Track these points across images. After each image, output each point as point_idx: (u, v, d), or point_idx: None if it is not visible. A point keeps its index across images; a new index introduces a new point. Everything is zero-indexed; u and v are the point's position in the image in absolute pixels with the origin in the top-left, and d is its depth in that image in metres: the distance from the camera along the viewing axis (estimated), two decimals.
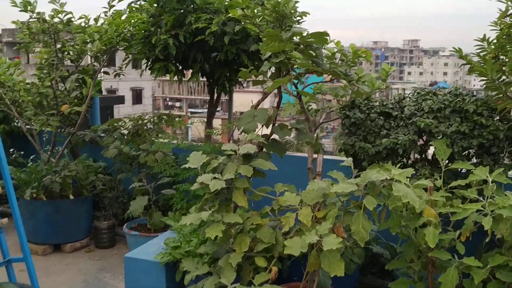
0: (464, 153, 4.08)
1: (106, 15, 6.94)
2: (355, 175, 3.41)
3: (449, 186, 3.56)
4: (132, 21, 5.81)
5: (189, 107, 72.45)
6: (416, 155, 4.44)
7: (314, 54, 3.55)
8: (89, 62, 6.85)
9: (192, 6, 5.26)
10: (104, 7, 7.08)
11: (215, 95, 6.26)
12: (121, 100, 29.74)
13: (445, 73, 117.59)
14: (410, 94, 4.55)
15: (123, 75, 6.78)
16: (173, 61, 5.57)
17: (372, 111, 4.38)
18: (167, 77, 5.98)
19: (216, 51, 5.38)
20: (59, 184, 5.94)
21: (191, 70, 5.69)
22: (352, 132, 4.36)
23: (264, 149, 3.92)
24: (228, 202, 3.63)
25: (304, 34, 3.64)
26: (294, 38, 3.65)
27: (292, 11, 4.09)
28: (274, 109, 3.96)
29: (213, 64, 5.56)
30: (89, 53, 6.25)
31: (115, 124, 6.71)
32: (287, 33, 3.56)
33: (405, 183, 3.13)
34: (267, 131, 4.05)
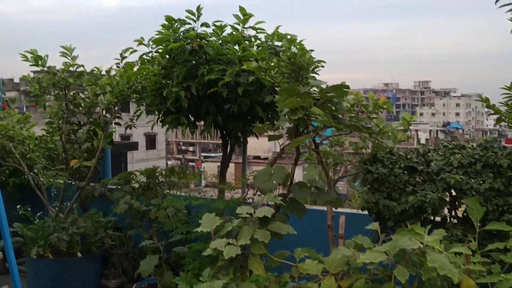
0: (499, 211, 3.76)
1: (118, 67, 6.87)
2: (382, 239, 3.11)
3: (485, 250, 3.25)
4: (144, 73, 5.69)
5: (202, 151, 72.75)
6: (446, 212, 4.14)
7: (334, 108, 3.33)
8: (101, 114, 6.72)
9: (204, 57, 5.12)
10: (117, 59, 7.02)
11: (229, 147, 6.05)
12: (134, 146, 29.76)
13: (457, 114, 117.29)
14: (436, 147, 4.29)
15: (134, 127, 6.62)
16: (185, 113, 5.39)
17: (396, 165, 4.11)
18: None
19: (230, 103, 5.21)
20: (66, 242, 5.69)
21: (203, 122, 5.51)
22: (375, 188, 4.08)
23: (282, 210, 3.65)
24: (244, 269, 3.34)
25: (323, 87, 3.44)
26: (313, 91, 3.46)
27: (309, 63, 3.91)
28: (292, 166, 3.72)
29: (226, 116, 5.37)
30: (100, 106, 6.12)
31: (125, 177, 6.50)
32: (305, 87, 3.36)
33: (438, 249, 2.84)
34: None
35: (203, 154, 68.49)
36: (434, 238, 2.81)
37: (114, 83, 6.18)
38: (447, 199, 3.93)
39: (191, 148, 75.92)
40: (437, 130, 75.49)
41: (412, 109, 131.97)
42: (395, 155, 4.22)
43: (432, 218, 4.06)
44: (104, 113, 6.69)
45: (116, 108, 6.52)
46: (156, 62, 5.44)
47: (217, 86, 4.99)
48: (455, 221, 4.03)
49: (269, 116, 5.24)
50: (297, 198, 3.58)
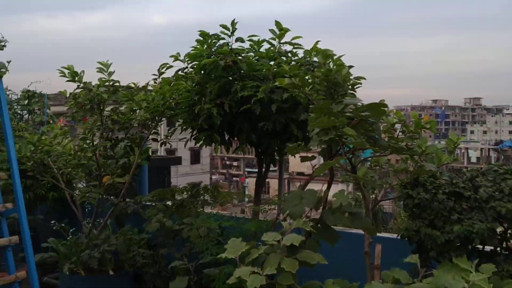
0: None
1: (155, 82, 6.83)
2: (422, 274, 2.81)
3: None
4: (178, 89, 5.59)
5: (246, 166, 72.88)
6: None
7: (370, 128, 3.07)
8: (138, 130, 6.68)
9: (238, 73, 4.97)
10: (154, 74, 6.99)
11: (264, 166, 5.84)
12: (178, 161, 30.04)
13: (510, 132, 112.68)
14: (485, 171, 3.93)
15: (169, 143, 6.53)
16: (218, 130, 5.23)
17: (440, 190, 3.77)
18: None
19: (264, 120, 5.01)
20: (97, 260, 5.61)
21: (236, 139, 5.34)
22: (416, 214, 3.76)
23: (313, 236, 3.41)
24: None
25: (359, 105, 3.19)
26: (347, 110, 3.21)
27: (345, 79, 3.68)
28: (325, 190, 3.47)
29: (260, 134, 5.18)
30: (134, 122, 6.06)
31: (159, 194, 6.39)
32: (338, 106, 3.13)
33: None
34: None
35: (247, 169, 68.60)
36: (482, 277, 2.49)
37: (150, 99, 6.12)
38: (498, 229, 3.57)
39: (235, 163, 76.27)
40: (488, 149, 72.73)
41: (462, 126, 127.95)
42: (438, 178, 3.89)
43: (481, 247, 3.70)
44: (140, 129, 6.64)
45: (153, 123, 6.47)
46: (190, 78, 5.33)
47: (250, 103, 4.82)
48: (507, 253, 3.65)
49: (306, 135, 4.99)
50: (330, 224, 3.33)
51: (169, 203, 6.43)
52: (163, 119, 6.38)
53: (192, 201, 6.18)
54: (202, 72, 5.18)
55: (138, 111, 5.90)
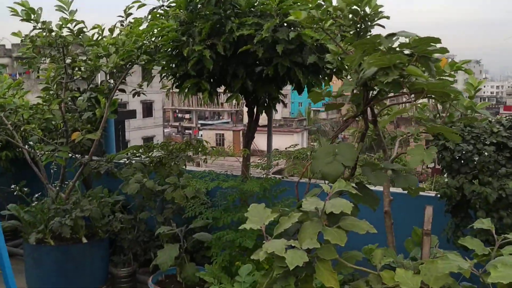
0: None
1: (122, 25, 5.98)
2: (499, 243, 2.33)
3: None
4: (156, 30, 4.79)
5: (198, 118, 71.83)
6: None
7: (431, 68, 2.50)
8: (103, 79, 5.85)
9: (232, 9, 4.23)
10: (120, 16, 6.11)
11: (254, 116, 5.21)
12: (133, 114, 28.81)
13: (455, 80, 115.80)
14: None
15: (143, 93, 5.77)
16: (207, 77, 4.52)
17: (478, 140, 3.31)
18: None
19: (263, 65, 4.36)
20: (69, 228, 4.92)
21: (229, 87, 4.65)
22: (455, 170, 3.29)
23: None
24: (308, 279, 2.58)
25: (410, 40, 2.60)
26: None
27: (376, 12, 3.08)
28: (359, 144, 2.92)
29: (257, 81, 4.53)
30: (104, 69, 5.24)
31: (134, 150, 5.69)
32: (388, 40, 2.52)
33: None
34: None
35: (200, 121, 67.58)
36: None
37: (119, 43, 5.30)
38: None
39: (187, 116, 75.03)
40: None
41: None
42: (476, 127, 3.42)
43: None
44: (107, 78, 5.82)
45: (120, 72, 5.68)
46: (171, 17, 4.54)
47: (248, 44, 4.14)
48: None
49: (309, 80, 4.40)
50: (373, 184, 2.79)
51: (145, 160, 5.75)
52: (134, 66, 5.60)
53: (172, 158, 5.52)
54: (188, 9, 4.41)
55: (106, 58, 5.08)
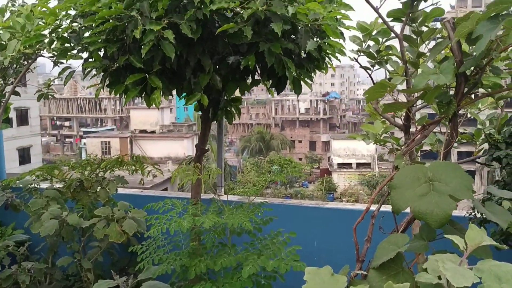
0: None
1: (14, 4, 4.55)
2: None
3: None
4: (76, 5, 3.39)
5: (79, 126, 67.27)
6: None
7: None
8: None
9: None
10: None
11: (209, 123, 4.03)
12: (6, 122, 25.50)
13: (332, 84, 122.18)
14: None
15: (52, 96, 4.33)
16: (159, 71, 3.27)
17: None
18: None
19: (237, 53, 3.23)
20: None
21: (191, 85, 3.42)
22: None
23: None
24: None
25: None
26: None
27: None
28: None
29: (225, 76, 3.39)
30: (4, 62, 3.74)
31: (44, 172, 4.20)
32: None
33: None
34: None
35: (82, 129, 63.17)
36: None
37: (17, 27, 3.84)
38: None
39: (67, 123, 70.09)
40: (317, 100, 77.51)
41: None
42: None
43: None
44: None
45: (20, 67, 4.23)
46: None
47: (220, 22, 3.00)
48: None
49: (298, 73, 3.34)
50: (500, 224, 1.82)
51: (58, 185, 4.31)
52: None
53: (98, 180, 4.14)
54: None
55: (8, 44, 3.60)
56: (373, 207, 2.13)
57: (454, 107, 1.92)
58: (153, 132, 44.69)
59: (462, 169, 1.80)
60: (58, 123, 71.33)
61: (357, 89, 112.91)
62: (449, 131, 2.06)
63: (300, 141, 69.99)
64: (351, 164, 48.92)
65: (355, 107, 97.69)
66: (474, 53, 1.77)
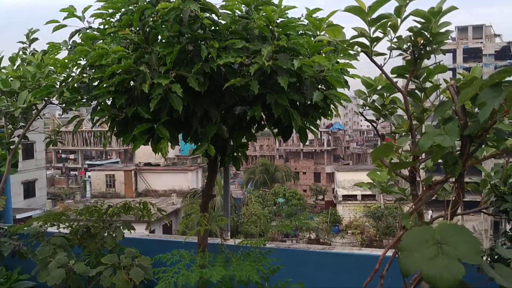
0: None
1: (25, 53, 4.66)
2: None
3: None
4: (87, 57, 3.47)
5: (84, 158, 67.45)
6: None
7: None
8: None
9: (205, 30, 3.13)
10: (21, 42, 4.79)
11: (215, 169, 4.07)
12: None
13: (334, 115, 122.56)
14: None
15: (61, 142, 4.39)
16: (166, 122, 3.32)
17: None
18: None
19: (244, 104, 3.29)
20: None
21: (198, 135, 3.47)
22: None
23: None
24: None
25: None
26: None
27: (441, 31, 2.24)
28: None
29: (232, 126, 3.44)
30: (14, 113, 3.82)
31: (51, 219, 4.22)
32: None
33: None
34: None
35: (86, 161, 63.34)
36: None
37: (28, 76, 3.94)
38: None
39: (72, 156, 70.28)
40: (320, 132, 77.74)
41: None
42: None
43: None
44: (7, 123, 4.37)
45: (30, 114, 4.31)
46: (116, 38, 3.29)
47: (227, 76, 3.07)
48: None
49: (304, 122, 3.39)
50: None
51: (65, 230, 4.33)
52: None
53: (105, 226, 4.16)
54: (143, 29, 3.21)
55: (20, 94, 3.69)
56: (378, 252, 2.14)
57: (460, 167, 1.94)
58: (157, 165, 44.71)
59: (470, 232, 1.81)
60: (63, 155, 71.61)
61: (361, 120, 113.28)
62: (455, 188, 2.08)
63: (304, 173, 69.84)
64: (356, 196, 48.60)
65: (359, 138, 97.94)
66: (478, 117, 1.81)
